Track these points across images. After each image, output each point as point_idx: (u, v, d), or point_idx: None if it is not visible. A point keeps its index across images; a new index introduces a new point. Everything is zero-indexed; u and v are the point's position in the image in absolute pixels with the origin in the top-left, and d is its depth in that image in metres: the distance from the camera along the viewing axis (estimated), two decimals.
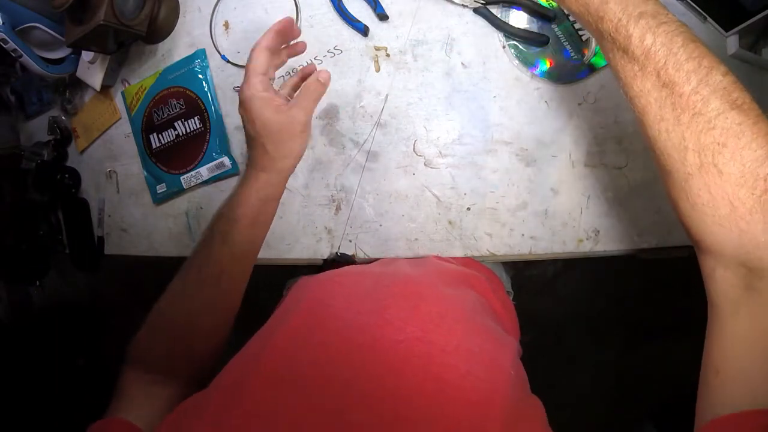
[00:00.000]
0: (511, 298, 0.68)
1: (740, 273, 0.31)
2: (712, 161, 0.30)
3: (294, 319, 0.41)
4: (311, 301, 0.44)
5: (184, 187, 0.67)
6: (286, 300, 0.48)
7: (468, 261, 0.60)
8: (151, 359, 0.47)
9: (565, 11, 0.52)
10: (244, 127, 0.45)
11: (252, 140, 0.45)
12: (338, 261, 0.60)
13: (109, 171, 0.76)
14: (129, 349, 0.48)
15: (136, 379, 0.46)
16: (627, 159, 0.54)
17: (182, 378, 0.47)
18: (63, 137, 0.80)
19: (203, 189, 0.68)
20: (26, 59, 0.64)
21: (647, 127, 0.34)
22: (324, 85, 0.46)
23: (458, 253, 0.59)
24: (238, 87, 0.63)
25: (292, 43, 0.49)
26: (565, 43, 0.53)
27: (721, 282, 0.33)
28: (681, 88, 0.31)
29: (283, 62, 0.50)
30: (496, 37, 0.55)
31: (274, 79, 0.47)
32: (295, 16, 0.60)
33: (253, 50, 0.44)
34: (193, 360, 0.48)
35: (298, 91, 0.47)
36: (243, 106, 0.44)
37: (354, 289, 0.46)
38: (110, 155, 0.76)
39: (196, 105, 0.65)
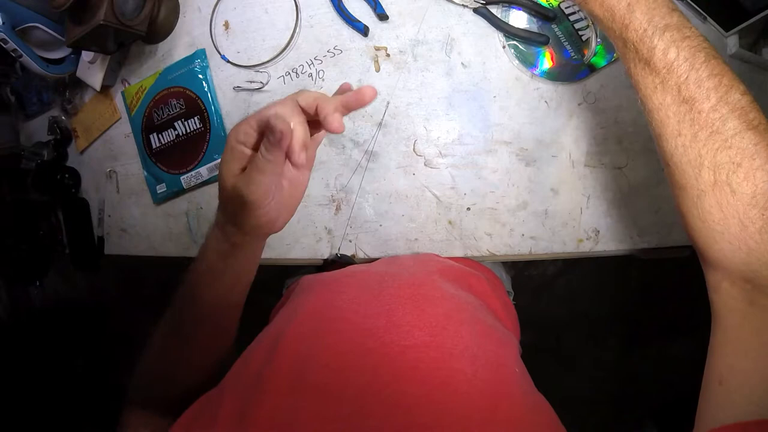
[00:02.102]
0: (511, 298, 0.68)
1: (746, 288, 0.32)
2: (726, 180, 0.31)
3: (300, 321, 0.41)
4: (317, 302, 0.44)
5: (184, 187, 0.67)
6: (290, 301, 0.48)
7: (468, 261, 0.60)
8: (149, 402, 0.47)
9: (584, 15, 0.52)
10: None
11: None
12: (338, 262, 0.60)
13: (109, 171, 0.76)
14: (129, 391, 0.48)
15: (137, 414, 0.46)
16: (627, 159, 0.54)
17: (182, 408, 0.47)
18: (63, 137, 0.80)
19: (203, 189, 0.68)
20: (26, 59, 0.64)
21: (664, 141, 0.34)
22: (286, 135, 0.31)
23: (458, 253, 0.59)
24: (238, 86, 0.63)
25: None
26: (565, 43, 0.53)
27: (726, 296, 0.33)
28: (701, 104, 0.31)
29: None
30: (496, 37, 0.55)
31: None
32: (294, 16, 0.60)
33: (277, 102, 0.33)
34: (190, 393, 0.47)
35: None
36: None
37: (359, 290, 0.46)
38: (110, 155, 0.76)
39: (196, 105, 0.65)
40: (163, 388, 0.47)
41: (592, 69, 0.53)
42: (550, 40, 0.53)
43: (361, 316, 0.41)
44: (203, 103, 0.65)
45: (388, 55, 0.58)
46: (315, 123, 0.34)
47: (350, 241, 0.62)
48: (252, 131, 0.33)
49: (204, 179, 0.66)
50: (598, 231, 0.56)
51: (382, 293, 0.44)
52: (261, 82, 0.62)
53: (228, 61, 0.64)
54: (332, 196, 0.61)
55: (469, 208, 0.58)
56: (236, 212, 0.36)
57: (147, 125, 0.69)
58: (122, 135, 0.73)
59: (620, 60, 0.38)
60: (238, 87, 0.63)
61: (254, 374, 0.36)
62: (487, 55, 0.55)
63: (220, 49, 0.64)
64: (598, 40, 0.52)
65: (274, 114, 0.32)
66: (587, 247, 0.56)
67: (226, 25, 0.64)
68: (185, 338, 0.44)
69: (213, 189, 0.68)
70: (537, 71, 0.54)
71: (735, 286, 0.32)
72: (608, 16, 0.35)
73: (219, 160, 0.64)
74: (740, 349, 0.32)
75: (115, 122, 0.73)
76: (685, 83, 0.32)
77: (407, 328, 0.39)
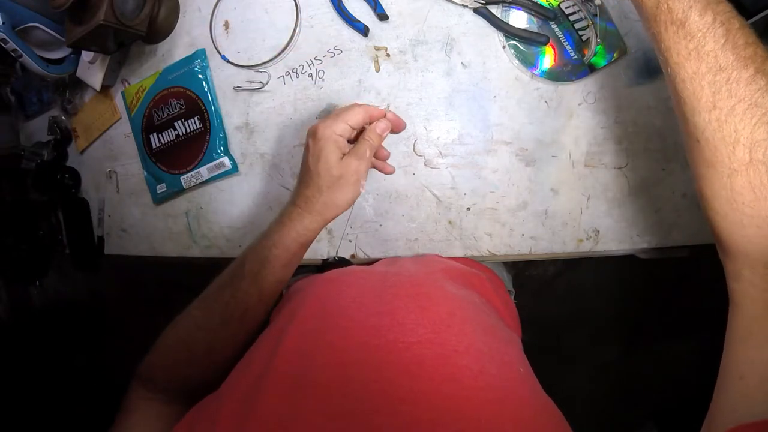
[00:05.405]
0: (512, 297, 0.68)
1: None
2: (763, 159, 0.29)
3: (302, 319, 0.41)
4: (318, 300, 0.44)
5: (184, 187, 0.67)
6: (290, 301, 0.48)
7: (468, 260, 0.60)
8: (165, 382, 0.47)
9: (585, 15, 0.52)
10: (305, 159, 0.46)
11: (309, 177, 0.45)
12: (336, 264, 0.60)
13: (109, 171, 0.76)
14: (141, 369, 0.48)
15: (145, 397, 0.46)
16: (627, 159, 0.54)
17: (193, 398, 0.47)
18: (63, 137, 0.80)
19: (203, 189, 0.68)
20: (26, 59, 0.64)
21: (696, 115, 0.32)
22: (381, 137, 0.47)
23: (458, 253, 0.59)
24: (238, 86, 0.63)
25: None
26: (565, 43, 0.53)
27: (748, 285, 0.32)
28: (739, 73, 0.29)
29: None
30: (496, 37, 0.55)
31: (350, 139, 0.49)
32: (294, 16, 0.60)
33: (356, 105, 0.46)
34: (207, 384, 0.48)
35: (358, 141, 0.47)
36: (315, 140, 0.44)
37: (360, 289, 0.45)
38: (110, 155, 0.76)
39: (196, 105, 0.65)
40: (182, 370, 0.47)
41: (592, 69, 0.53)
42: (550, 40, 0.53)
43: (364, 314, 0.41)
44: (203, 103, 0.65)
45: (388, 55, 0.58)
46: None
47: (350, 241, 0.62)
48: (349, 128, 0.45)
49: (204, 179, 0.66)
50: (598, 231, 0.56)
51: (384, 292, 0.44)
52: (261, 82, 0.62)
53: (228, 61, 0.64)
54: None
55: (469, 208, 0.58)
56: (339, 187, 0.44)
57: (147, 125, 0.69)
58: (122, 135, 0.73)
59: (648, 27, 0.35)
60: (238, 87, 0.63)
61: (256, 374, 0.36)
62: (487, 55, 0.55)
63: (220, 49, 0.64)
64: (598, 40, 0.52)
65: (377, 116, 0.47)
66: (587, 247, 0.56)
67: (226, 25, 0.64)
68: (231, 316, 0.46)
69: (213, 189, 0.68)
70: (537, 71, 0.54)
71: (757, 275, 0.31)
72: None
73: (221, 159, 0.64)
74: (763, 341, 0.30)
75: (115, 122, 0.73)
76: (723, 50, 0.30)
77: (411, 326, 0.39)
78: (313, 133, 0.45)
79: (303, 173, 0.47)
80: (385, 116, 0.48)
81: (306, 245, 0.48)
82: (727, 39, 0.30)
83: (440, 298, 0.44)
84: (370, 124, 0.48)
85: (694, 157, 0.34)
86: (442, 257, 0.59)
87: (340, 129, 0.44)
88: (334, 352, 0.37)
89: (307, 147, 0.46)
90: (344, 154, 0.45)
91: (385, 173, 0.53)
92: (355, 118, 0.45)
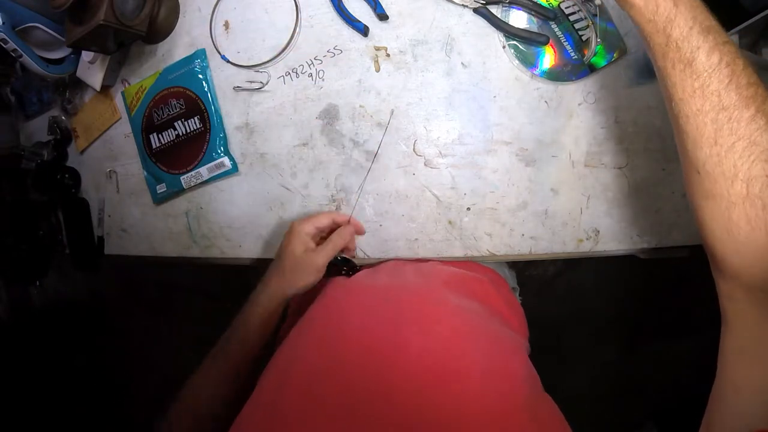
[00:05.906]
0: (517, 294, 0.68)
1: (762, 298, 0.31)
2: (759, 194, 0.30)
3: (314, 331, 0.44)
4: (324, 332, 0.46)
5: (184, 187, 0.67)
6: (296, 326, 0.49)
7: (469, 264, 0.61)
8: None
9: (585, 15, 0.52)
10: (279, 247, 0.57)
11: (278, 259, 0.56)
12: (337, 265, 0.60)
13: (109, 171, 0.76)
14: (160, 428, 0.51)
15: None
16: (627, 159, 0.54)
17: None
18: (63, 137, 0.80)
19: (203, 189, 0.68)
20: (26, 59, 0.64)
21: (698, 149, 0.33)
22: (344, 239, 0.57)
23: (458, 253, 0.59)
24: (238, 86, 0.63)
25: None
26: (565, 43, 0.53)
27: (742, 305, 0.33)
28: (741, 113, 0.31)
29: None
30: (496, 37, 0.55)
31: (320, 235, 0.59)
32: (294, 16, 0.60)
33: (324, 213, 0.58)
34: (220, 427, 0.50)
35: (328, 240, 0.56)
36: (288, 234, 0.56)
37: (365, 316, 0.46)
38: (110, 155, 0.76)
39: (196, 105, 0.65)
40: (193, 422, 0.51)
41: (592, 69, 0.53)
42: (550, 40, 0.53)
43: (372, 324, 0.43)
44: (203, 103, 0.65)
45: (388, 55, 0.58)
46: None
47: None
48: (315, 229, 0.56)
49: (204, 179, 0.66)
50: (598, 231, 0.56)
51: (387, 310, 0.46)
52: (261, 82, 0.62)
53: (228, 61, 0.64)
54: (332, 196, 0.61)
55: (469, 208, 0.58)
56: (297, 272, 0.54)
57: (147, 125, 0.69)
58: (122, 135, 0.73)
59: (654, 60, 0.35)
60: (238, 87, 0.63)
61: (269, 403, 0.38)
62: (487, 55, 0.55)
63: (220, 49, 0.64)
64: (598, 40, 0.52)
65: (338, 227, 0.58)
66: (587, 247, 0.56)
67: (226, 25, 0.64)
68: (226, 375, 0.53)
69: (213, 189, 0.68)
70: (537, 71, 0.54)
71: (751, 296, 0.32)
72: (652, 8, 0.33)
73: (221, 159, 0.64)
74: (758, 358, 0.31)
75: (115, 122, 0.73)
76: (726, 90, 0.31)
77: (416, 350, 0.40)
78: (289, 227, 0.56)
79: (276, 255, 0.57)
80: (349, 221, 0.59)
81: (278, 307, 0.55)
82: (731, 80, 0.31)
83: (443, 315, 0.45)
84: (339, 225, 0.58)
85: (694, 188, 0.35)
86: (443, 264, 0.59)
87: (307, 229, 0.55)
88: (345, 368, 0.39)
89: (283, 240, 0.56)
90: (309, 248, 0.55)
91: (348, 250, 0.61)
92: (322, 222, 0.57)
